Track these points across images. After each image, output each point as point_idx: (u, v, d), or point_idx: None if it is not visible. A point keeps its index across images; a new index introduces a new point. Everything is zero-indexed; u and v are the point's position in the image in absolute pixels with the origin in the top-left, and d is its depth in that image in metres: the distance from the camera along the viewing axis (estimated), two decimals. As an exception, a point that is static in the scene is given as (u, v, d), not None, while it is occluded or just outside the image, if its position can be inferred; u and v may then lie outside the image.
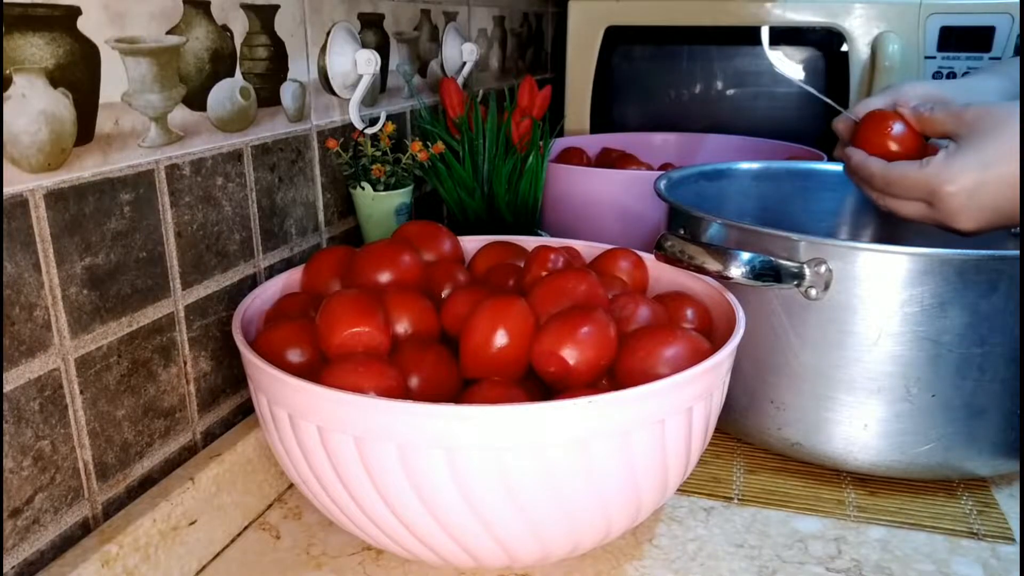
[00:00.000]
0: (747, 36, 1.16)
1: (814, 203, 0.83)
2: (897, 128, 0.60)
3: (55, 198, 0.43)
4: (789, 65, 1.16)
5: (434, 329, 0.55)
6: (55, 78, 0.43)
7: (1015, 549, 0.54)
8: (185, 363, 0.55)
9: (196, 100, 0.54)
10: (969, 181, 0.54)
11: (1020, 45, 0.55)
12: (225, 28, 0.56)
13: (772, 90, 1.18)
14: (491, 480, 0.43)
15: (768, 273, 0.55)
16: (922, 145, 0.60)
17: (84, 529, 0.47)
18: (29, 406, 0.43)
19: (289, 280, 0.61)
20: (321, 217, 0.71)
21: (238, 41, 0.58)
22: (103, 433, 0.48)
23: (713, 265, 0.54)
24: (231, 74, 0.57)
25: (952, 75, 1.09)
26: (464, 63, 0.95)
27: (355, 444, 0.43)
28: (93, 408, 0.47)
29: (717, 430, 0.56)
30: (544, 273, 0.58)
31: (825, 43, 1.13)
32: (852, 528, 0.56)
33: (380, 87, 0.80)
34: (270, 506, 0.59)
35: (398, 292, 0.55)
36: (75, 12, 0.44)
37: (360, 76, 0.71)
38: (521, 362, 0.50)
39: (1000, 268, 0.53)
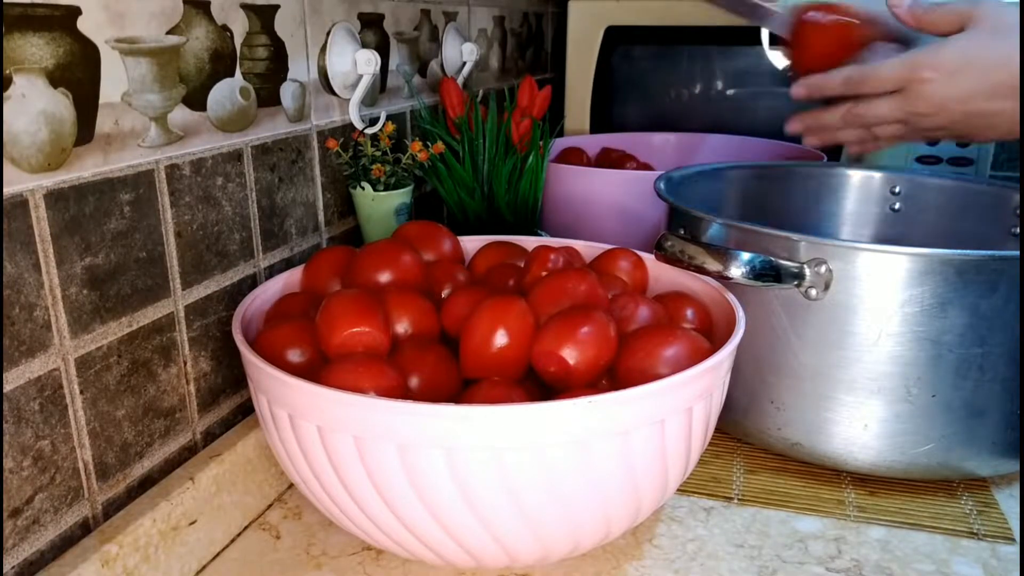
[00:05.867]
0: (747, 36, 1.16)
1: (814, 203, 0.83)
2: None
3: (55, 198, 0.43)
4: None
5: (434, 329, 0.55)
6: (55, 78, 0.43)
7: (1015, 549, 0.54)
8: (185, 363, 0.55)
9: (196, 100, 0.54)
10: (947, 66, 0.56)
11: (1020, 44, 0.55)
12: (225, 28, 0.56)
13: (772, 90, 1.18)
14: (491, 480, 0.43)
15: (768, 273, 0.55)
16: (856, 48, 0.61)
17: (84, 529, 0.47)
18: (29, 406, 0.43)
19: (289, 280, 0.61)
20: (321, 217, 0.71)
21: (238, 41, 0.58)
22: (103, 433, 0.48)
23: (713, 265, 0.54)
24: (231, 74, 0.57)
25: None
26: (464, 63, 0.95)
27: (355, 444, 0.43)
28: (93, 408, 0.47)
29: (717, 430, 0.56)
30: (544, 273, 0.58)
31: (825, 43, 1.13)
32: (852, 528, 0.56)
33: (380, 87, 0.80)
34: (270, 506, 0.59)
35: (398, 292, 0.55)
36: (75, 12, 0.44)
37: (360, 76, 0.71)
38: (521, 362, 0.50)
39: (1000, 268, 0.53)
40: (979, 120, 0.58)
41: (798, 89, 0.66)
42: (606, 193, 0.90)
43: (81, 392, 0.46)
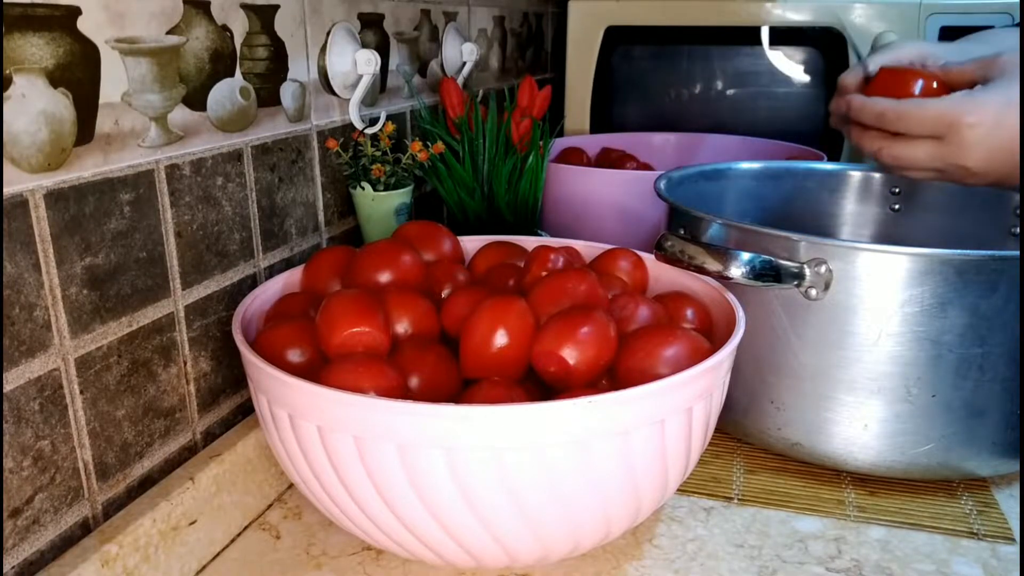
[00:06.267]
0: (747, 36, 1.16)
1: (814, 203, 0.83)
2: (919, 86, 0.58)
3: (55, 198, 0.43)
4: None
5: (434, 329, 0.55)
6: (55, 78, 0.43)
7: (1015, 549, 0.54)
8: (185, 363, 0.55)
9: (196, 100, 0.54)
10: (991, 115, 0.53)
11: (1020, 45, 0.55)
12: (225, 28, 0.56)
13: (772, 90, 1.18)
14: (491, 480, 0.43)
15: (768, 273, 0.55)
16: None
17: (84, 529, 0.47)
18: (29, 406, 0.43)
19: (289, 280, 0.61)
20: (321, 217, 0.71)
21: (238, 41, 0.58)
22: (103, 433, 0.48)
23: (713, 265, 0.54)
24: (231, 74, 0.57)
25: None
26: (464, 63, 0.95)
27: (355, 444, 0.43)
28: (93, 408, 0.47)
29: (717, 430, 0.56)
30: (544, 273, 0.58)
31: (825, 43, 1.13)
32: (852, 528, 0.56)
33: (380, 87, 0.80)
34: (270, 506, 0.59)
35: (398, 292, 0.55)
36: (75, 12, 0.44)
37: (360, 76, 0.71)
38: (521, 362, 0.50)
39: (1000, 268, 0.53)
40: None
41: (838, 102, 0.63)
42: (606, 193, 0.90)
43: (81, 392, 0.46)
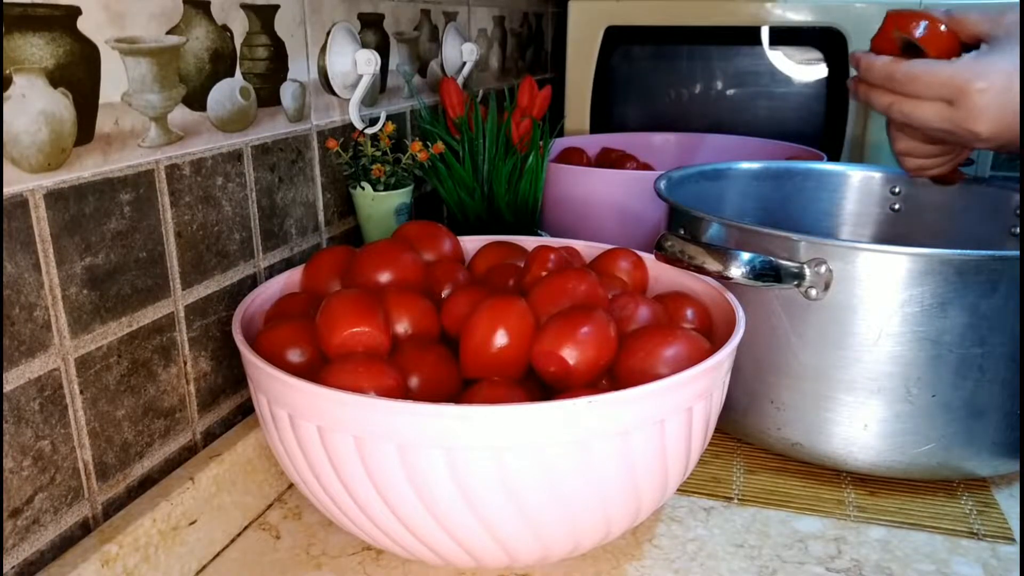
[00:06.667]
0: (747, 36, 1.16)
1: (814, 203, 0.83)
2: (922, 27, 0.57)
3: (55, 198, 0.43)
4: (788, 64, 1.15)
5: (434, 329, 0.55)
6: (55, 78, 0.43)
7: (1015, 549, 0.54)
8: (185, 363, 0.55)
9: (196, 100, 0.54)
10: (1000, 79, 0.53)
11: (1020, 45, 0.55)
12: (225, 28, 0.56)
13: (772, 90, 1.18)
14: (491, 480, 0.43)
15: (768, 273, 0.55)
16: (949, 49, 0.57)
17: (84, 529, 0.47)
18: (29, 406, 0.43)
19: (289, 280, 0.61)
20: (321, 217, 0.71)
21: (238, 41, 0.58)
22: (103, 433, 0.48)
23: (713, 265, 0.54)
24: (231, 74, 0.57)
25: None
26: (464, 63, 0.95)
27: (355, 444, 0.43)
28: (93, 408, 0.47)
29: (717, 430, 0.56)
30: (544, 273, 0.58)
31: (825, 43, 1.13)
32: (852, 528, 0.56)
33: (380, 87, 0.80)
34: (270, 506, 0.59)
35: (398, 292, 0.55)
36: (75, 12, 0.44)
37: (360, 76, 0.71)
38: (521, 362, 0.50)
39: (1000, 268, 0.53)
40: None
41: (854, 58, 0.62)
42: (606, 193, 0.90)
43: (81, 392, 0.46)
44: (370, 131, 0.74)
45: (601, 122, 1.25)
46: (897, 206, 0.80)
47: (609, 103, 1.25)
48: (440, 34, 0.93)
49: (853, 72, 0.64)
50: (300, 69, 0.65)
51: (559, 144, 1.09)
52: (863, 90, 0.62)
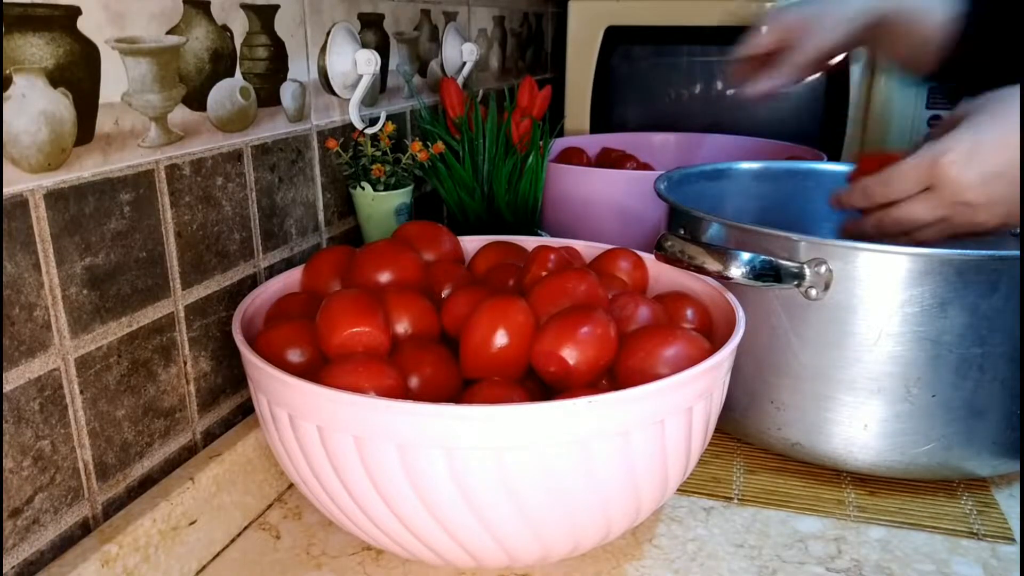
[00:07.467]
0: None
1: (814, 203, 0.83)
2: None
3: (55, 198, 0.43)
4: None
5: (434, 329, 0.55)
6: (55, 78, 0.43)
7: (1015, 549, 0.54)
8: (185, 363, 0.55)
9: (196, 100, 0.54)
10: (965, 146, 0.53)
11: (1020, 46, 0.55)
12: (225, 28, 0.56)
13: (772, 90, 1.18)
14: (491, 480, 0.43)
15: (768, 273, 0.55)
16: None
17: (84, 529, 0.47)
18: (29, 406, 0.43)
19: (289, 280, 0.61)
20: (321, 217, 0.71)
21: (238, 41, 0.58)
22: (103, 433, 0.48)
23: (713, 265, 0.54)
24: (231, 74, 0.57)
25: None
26: (464, 63, 0.95)
27: (355, 444, 0.43)
28: (93, 408, 0.47)
29: (717, 430, 0.56)
30: (544, 273, 0.58)
31: (825, 43, 1.13)
32: (852, 528, 0.56)
33: (380, 87, 0.80)
34: (270, 506, 0.59)
35: (398, 292, 0.55)
36: (75, 12, 0.44)
37: (360, 76, 0.71)
38: (521, 362, 0.50)
39: (1000, 268, 0.53)
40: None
41: (832, 199, 0.63)
42: (606, 193, 0.90)
43: (81, 392, 0.46)
44: (370, 131, 0.74)
45: (601, 122, 1.25)
46: (897, 206, 0.80)
47: (609, 103, 1.25)
48: (440, 34, 0.93)
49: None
50: (300, 69, 0.65)
51: (559, 144, 1.09)
52: (850, 227, 0.62)
